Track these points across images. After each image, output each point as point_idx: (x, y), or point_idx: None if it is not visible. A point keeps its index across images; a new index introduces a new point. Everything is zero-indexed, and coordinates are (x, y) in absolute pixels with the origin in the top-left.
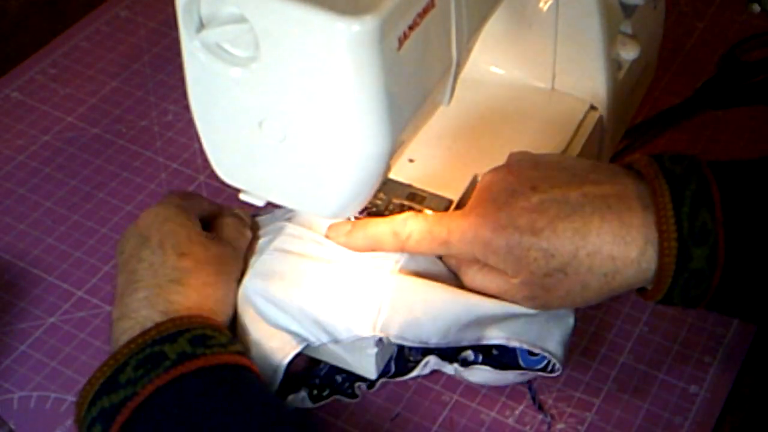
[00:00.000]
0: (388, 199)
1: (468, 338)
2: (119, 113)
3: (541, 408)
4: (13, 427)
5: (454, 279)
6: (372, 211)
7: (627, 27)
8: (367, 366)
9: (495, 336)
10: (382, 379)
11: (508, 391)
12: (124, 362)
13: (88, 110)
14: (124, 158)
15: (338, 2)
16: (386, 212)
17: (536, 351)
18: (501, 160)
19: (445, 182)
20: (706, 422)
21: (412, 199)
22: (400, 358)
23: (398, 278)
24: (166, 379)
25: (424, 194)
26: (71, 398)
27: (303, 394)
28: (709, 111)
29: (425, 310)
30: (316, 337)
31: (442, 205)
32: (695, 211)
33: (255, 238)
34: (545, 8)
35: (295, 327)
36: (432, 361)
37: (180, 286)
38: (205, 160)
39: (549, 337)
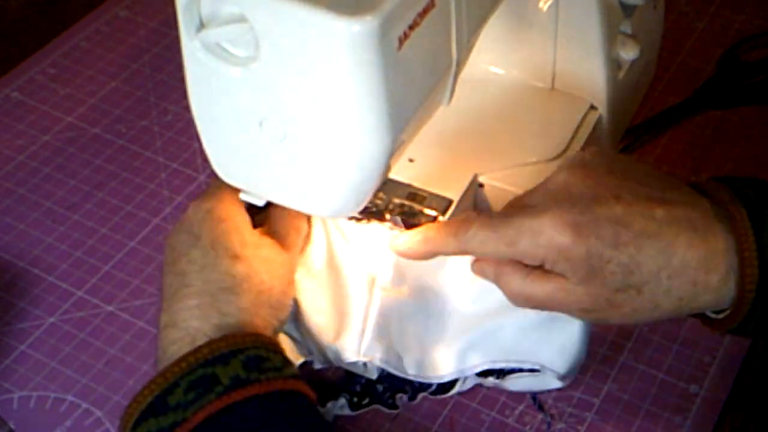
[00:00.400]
0: (388, 199)
1: (449, 368)
2: (119, 113)
3: (541, 408)
4: (13, 427)
5: (443, 295)
6: (372, 211)
7: (627, 27)
8: (369, 366)
9: (477, 362)
10: (423, 394)
11: (508, 392)
12: (174, 382)
13: (88, 110)
14: (124, 158)
15: (338, 2)
16: (386, 212)
17: (525, 367)
18: (501, 160)
19: (445, 182)
20: (706, 422)
21: (412, 199)
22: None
23: (384, 300)
24: (219, 406)
25: (424, 194)
26: (71, 398)
27: (342, 401)
28: (709, 111)
29: (404, 340)
30: (311, 353)
31: (443, 205)
32: None
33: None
34: (545, 8)
35: (296, 335)
36: (470, 378)
37: (233, 295)
38: (205, 160)
39: (543, 347)
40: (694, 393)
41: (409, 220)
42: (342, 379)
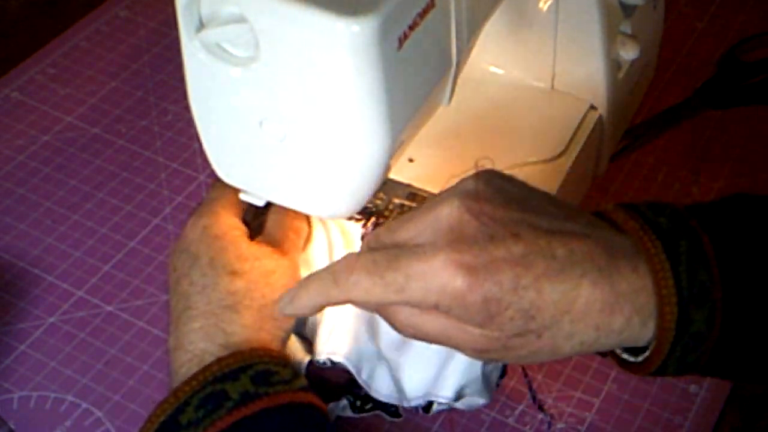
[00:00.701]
0: (388, 199)
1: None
2: (119, 113)
3: (541, 408)
4: (12, 427)
5: None
6: (372, 211)
7: (627, 27)
8: None
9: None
10: (437, 408)
11: (508, 391)
12: (185, 401)
13: (88, 110)
14: (124, 158)
15: (338, 2)
16: (386, 212)
17: (429, 400)
18: (501, 160)
19: (445, 182)
20: (706, 422)
21: (412, 199)
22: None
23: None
24: (229, 422)
25: (424, 194)
26: (71, 398)
27: (345, 402)
28: (709, 111)
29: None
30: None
31: None
32: (692, 271)
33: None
34: (545, 8)
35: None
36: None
37: (235, 313)
38: (205, 160)
39: (443, 382)
40: (694, 393)
41: None
42: (347, 382)
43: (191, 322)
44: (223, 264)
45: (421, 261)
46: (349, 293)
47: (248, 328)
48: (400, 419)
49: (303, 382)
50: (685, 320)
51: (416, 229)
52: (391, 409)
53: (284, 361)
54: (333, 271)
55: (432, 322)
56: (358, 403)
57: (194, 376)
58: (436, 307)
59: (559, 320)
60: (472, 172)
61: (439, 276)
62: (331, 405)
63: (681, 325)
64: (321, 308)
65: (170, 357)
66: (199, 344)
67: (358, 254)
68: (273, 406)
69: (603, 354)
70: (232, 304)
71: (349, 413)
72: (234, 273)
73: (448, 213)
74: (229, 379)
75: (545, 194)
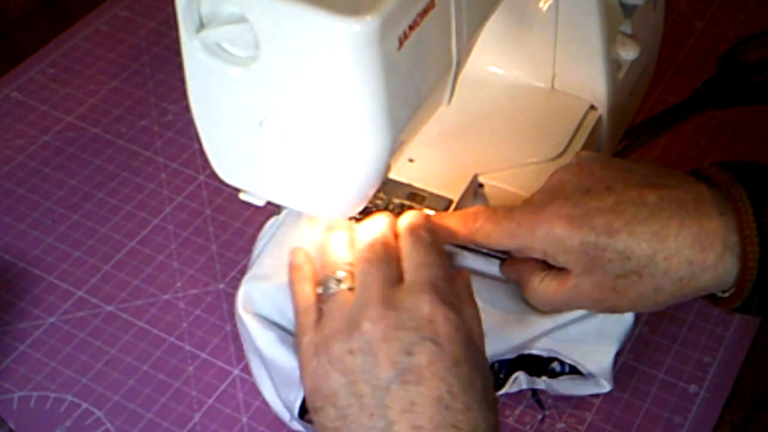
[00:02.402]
0: (388, 199)
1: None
2: (119, 113)
3: (539, 403)
4: (12, 426)
5: None
6: (372, 210)
7: (627, 27)
8: None
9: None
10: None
11: (509, 392)
12: None
13: (88, 110)
14: (124, 158)
15: (338, 2)
16: (386, 212)
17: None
18: (501, 160)
19: (445, 182)
20: (706, 422)
21: (412, 199)
22: (497, 378)
23: None
24: None
25: (424, 194)
26: (71, 398)
27: None
28: (709, 111)
29: None
30: None
31: (442, 205)
32: None
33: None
34: (545, 8)
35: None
36: (521, 377)
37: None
38: (205, 160)
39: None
40: (694, 393)
41: None
42: None
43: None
44: (476, 367)
45: (530, 213)
46: (473, 236)
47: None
48: None
49: None
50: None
51: (534, 195)
52: None
53: None
54: (461, 215)
55: (554, 286)
56: None
57: None
58: (545, 257)
59: (653, 258)
60: (472, 173)
61: (543, 225)
62: None
63: (763, 264)
64: (443, 242)
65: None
66: None
67: (485, 206)
68: None
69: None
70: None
71: None
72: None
73: (554, 177)
74: None
75: (645, 162)
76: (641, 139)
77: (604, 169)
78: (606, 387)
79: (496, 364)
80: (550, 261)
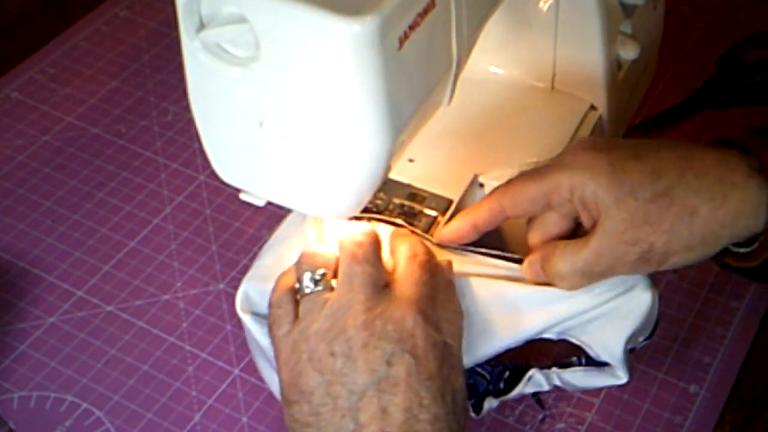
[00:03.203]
0: (388, 199)
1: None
2: (119, 113)
3: (539, 402)
4: (13, 427)
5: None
6: (372, 211)
7: (627, 27)
8: None
9: (538, 326)
10: (490, 400)
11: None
12: None
13: (88, 110)
14: (124, 158)
15: (338, 2)
16: (386, 212)
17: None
18: (501, 160)
19: (445, 182)
20: (706, 422)
21: (412, 199)
22: (512, 376)
23: None
24: None
25: (424, 194)
26: (71, 398)
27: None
28: (709, 111)
29: None
30: None
31: (442, 205)
32: None
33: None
34: (545, 8)
35: None
36: (536, 375)
37: None
38: (205, 160)
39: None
40: (694, 393)
41: (409, 220)
42: None
43: None
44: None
45: (556, 158)
46: (501, 200)
47: None
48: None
49: None
50: None
51: None
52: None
53: None
54: (486, 196)
55: (582, 248)
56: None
57: None
58: (573, 193)
59: (682, 177)
60: (472, 173)
61: (569, 158)
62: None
63: None
64: (474, 229)
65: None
66: None
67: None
68: None
69: (718, 258)
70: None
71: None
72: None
73: (582, 140)
74: None
75: None
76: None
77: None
78: (622, 378)
79: (502, 367)
80: (578, 201)
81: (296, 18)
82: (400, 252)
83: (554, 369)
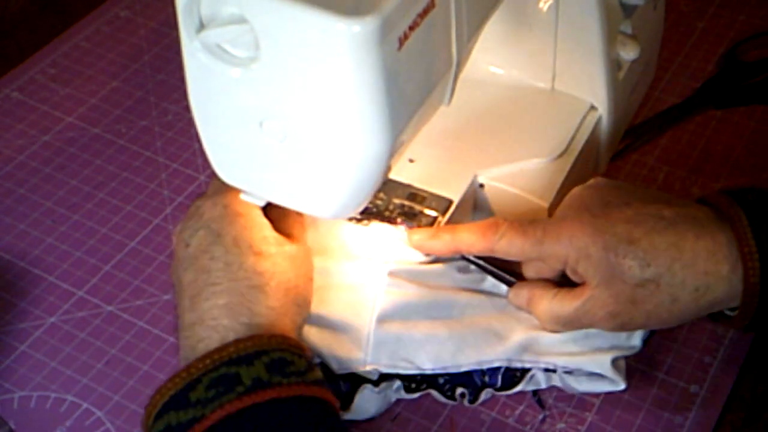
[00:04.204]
0: (388, 199)
1: (473, 361)
2: (119, 113)
3: (539, 402)
4: (13, 427)
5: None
6: (372, 211)
7: (627, 27)
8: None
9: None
10: (487, 391)
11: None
12: (197, 378)
13: (88, 110)
14: (124, 158)
15: (338, 2)
16: (386, 212)
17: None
18: (501, 160)
19: (445, 182)
20: (706, 422)
21: (412, 199)
22: (509, 371)
23: (385, 301)
24: (238, 407)
25: (424, 194)
26: (71, 398)
27: (398, 383)
28: (709, 111)
29: (411, 336)
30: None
31: (442, 206)
32: None
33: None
34: (545, 8)
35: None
36: (538, 375)
37: (261, 293)
38: (205, 160)
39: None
40: (694, 393)
41: (409, 220)
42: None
43: (215, 297)
44: (248, 244)
45: (555, 223)
46: (494, 245)
47: (274, 310)
48: (455, 402)
49: (317, 375)
50: None
51: (554, 213)
52: (447, 392)
53: (301, 351)
54: (480, 226)
55: (569, 302)
56: (413, 386)
57: (209, 355)
58: (565, 263)
59: (671, 266)
60: (472, 173)
61: (567, 232)
62: (383, 384)
63: (765, 279)
64: (454, 253)
65: (185, 332)
66: (222, 320)
67: (502, 218)
68: (283, 397)
69: (713, 317)
70: (259, 284)
71: (403, 394)
72: (260, 254)
73: (572, 194)
74: (244, 363)
75: (648, 188)
76: (641, 139)
77: (620, 189)
78: (621, 385)
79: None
80: (569, 271)
81: (296, 18)
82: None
83: (558, 372)
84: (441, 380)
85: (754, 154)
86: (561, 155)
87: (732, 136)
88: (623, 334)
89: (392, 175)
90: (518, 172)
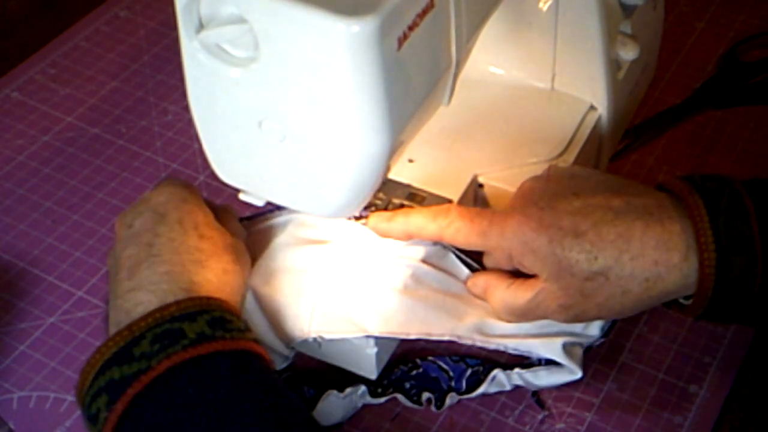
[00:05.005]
0: (388, 199)
1: (422, 332)
2: (119, 113)
3: (539, 402)
4: (12, 427)
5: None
6: (372, 211)
7: (627, 27)
8: (367, 366)
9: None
10: (452, 396)
11: (508, 391)
12: (140, 335)
13: (88, 110)
14: (124, 158)
15: (338, 2)
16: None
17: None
18: (501, 160)
19: (445, 182)
20: (706, 422)
21: (412, 199)
22: (474, 374)
23: (335, 275)
24: (184, 357)
25: (423, 194)
26: (71, 398)
27: (363, 388)
28: (709, 111)
29: (361, 298)
30: (277, 346)
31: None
32: (730, 222)
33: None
34: (545, 8)
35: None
36: (499, 375)
37: (202, 268)
38: (205, 160)
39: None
40: (694, 393)
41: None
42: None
43: (156, 266)
44: (193, 224)
45: (501, 215)
46: (443, 231)
47: (212, 283)
48: (421, 408)
49: (254, 335)
50: (724, 266)
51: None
52: (413, 396)
53: (238, 315)
54: (432, 211)
55: (522, 293)
56: (380, 390)
57: (151, 314)
58: (511, 257)
59: (619, 258)
60: (472, 173)
61: (511, 225)
62: (348, 390)
63: (721, 270)
64: (408, 238)
65: (120, 299)
66: (162, 285)
67: (457, 204)
68: (227, 350)
69: (667, 305)
70: (200, 259)
71: (368, 399)
72: (202, 236)
73: (524, 186)
74: (186, 320)
75: (609, 174)
76: (641, 139)
77: (572, 178)
78: (577, 373)
79: (479, 367)
80: (516, 264)
81: (295, 18)
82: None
83: (516, 369)
84: (407, 385)
85: (754, 154)
86: (560, 155)
87: (732, 136)
88: (580, 324)
89: (392, 175)
90: (518, 172)
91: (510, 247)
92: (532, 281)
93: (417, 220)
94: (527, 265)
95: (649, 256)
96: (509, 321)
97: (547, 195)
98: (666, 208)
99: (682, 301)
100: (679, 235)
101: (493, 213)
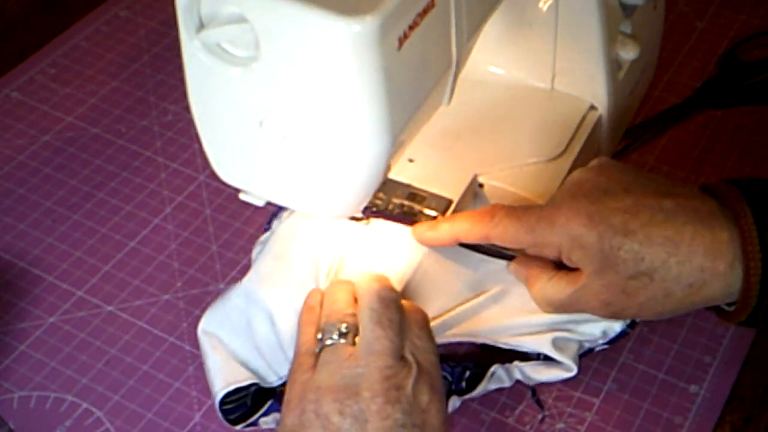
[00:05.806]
0: (388, 199)
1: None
2: (119, 113)
3: (539, 403)
4: (12, 427)
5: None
6: (372, 211)
7: (627, 27)
8: None
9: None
10: (454, 399)
11: (508, 391)
12: None
13: (88, 110)
14: (124, 158)
15: (338, 2)
16: (386, 212)
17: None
18: (501, 160)
19: (445, 182)
20: (706, 422)
21: (412, 199)
22: (473, 375)
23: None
24: None
25: (423, 194)
26: (71, 398)
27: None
28: (709, 111)
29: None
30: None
31: (442, 205)
32: None
33: None
34: (545, 8)
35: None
36: (498, 371)
37: None
38: (205, 160)
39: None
40: (694, 393)
41: (409, 220)
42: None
43: None
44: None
45: (550, 209)
46: (491, 231)
47: None
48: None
49: None
50: None
51: (552, 195)
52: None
53: None
54: (477, 213)
55: (563, 287)
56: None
57: None
58: (560, 252)
59: (666, 261)
60: (472, 173)
61: (561, 220)
62: None
63: (766, 279)
64: (455, 242)
65: None
66: None
67: (500, 204)
68: None
69: (709, 308)
70: None
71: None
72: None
73: (573, 177)
74: None
75: (658, 175)
76: (641, 139)
77: (623, 173)
78: (572, 370)
79: (462, 368)
80: (564, 259)
81: (296, 18)
82: (412, 315)
83: (515, 363)
84: None
85: (754, 154)
86: (560, 155)
87: (732, 136)
88: (578, 324)
89: (392, 175)
90: (518, 172)
91: (559, 242)
92: (574, 275)
93: (463, 223)
94: (575, 259)
95: (696, 262)
96: (546, 312)
97: (598, 189)
98: (715, 214)
99: (724, 306)
100: (727, 243)
101: (540, 209)
